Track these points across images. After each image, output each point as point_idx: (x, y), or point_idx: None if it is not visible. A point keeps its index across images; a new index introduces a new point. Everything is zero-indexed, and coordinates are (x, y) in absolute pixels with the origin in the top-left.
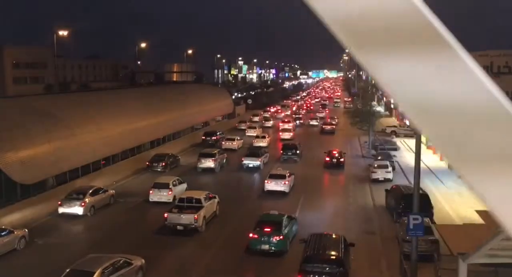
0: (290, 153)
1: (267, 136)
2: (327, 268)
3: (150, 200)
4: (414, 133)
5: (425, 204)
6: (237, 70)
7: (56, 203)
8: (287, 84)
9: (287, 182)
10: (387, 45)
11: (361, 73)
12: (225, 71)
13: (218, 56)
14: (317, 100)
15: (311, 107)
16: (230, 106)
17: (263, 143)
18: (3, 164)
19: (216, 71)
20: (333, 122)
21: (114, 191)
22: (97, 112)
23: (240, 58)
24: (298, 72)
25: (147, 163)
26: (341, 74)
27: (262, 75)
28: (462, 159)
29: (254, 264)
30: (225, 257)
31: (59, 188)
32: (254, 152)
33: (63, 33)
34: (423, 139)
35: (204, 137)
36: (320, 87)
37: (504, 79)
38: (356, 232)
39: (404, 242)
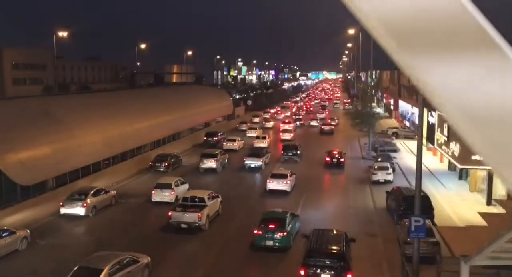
0: (290, 154)
1: (267, 137)
2: (329, 262)
3: (153, 200)
4: (414, 135)
5: (426, 206)
6: (236, 72)
7: (56, 204)
8: (286, 86)
9: (288, 182)
10: (435, 47)
11: (360, 74)
12: (225, 73)
13: (218, 57)
14: (316, 101)
15: (311, 109)
16: (229, 107)
17: (263, 144)
18: (3, 165)
19: (215, 72)
20: (333, 123)
21: (115, 192)
22: (98, 113)
23: (239, 59)
24: (298, 74)
25: (150, 163)
26: (341, 75)
27: (261, 76)
28: None
29: (259, 259)
30: (230, 253)
31: (59, 189)
32: (256, 153)
33: (62, 34)
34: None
35: (205, 138)
36: (320, 89)
37: None
38: (357, 234)
39: (405, 244)
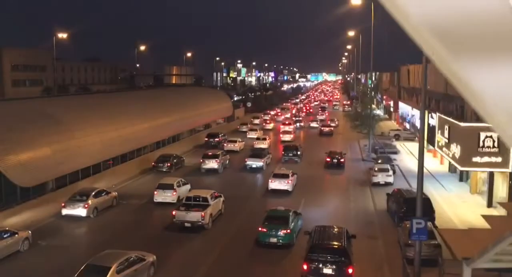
0: (291, 154)
1: (267, 138)
2: (332, 257)
3: (155, 200)
4: (414, 137)
5: (427, 208)
6: (236, 73)
7: (56, 206)
8: (286, 87)
9: (290, 181)
10: (486, 52)
11: (359, 76)
12: (224, 74)
13: (217, 59)
14: (316, 103)
15: (311, 110)
16: (229, 109)
17: (263, 145)
18: (3, 166)
19: (215, 73)
20: (333, 124)
21: (116, 193)
22: (98, 114)
23: (239, 61)
24: (297, 75)
25: (153, 163)
26: (340, 77)
27: (261, 78)
28: None
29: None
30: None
31: (59, 191)
32: (257, 153)
33: (62, 35)
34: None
35: (207, 139)
36: (319, 90)
37: None
38: (358, 236)
39: (406, 246)
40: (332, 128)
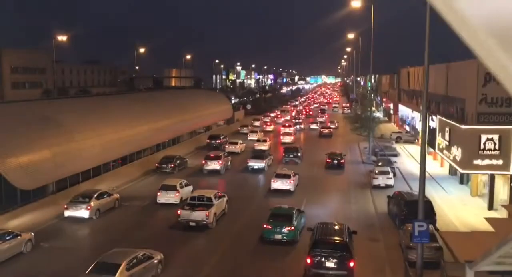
0: (291, 156)
1: (268, 139)
2: (334, 252)
3: (158, 201)
4: (414, 139)
5: (428, 211)
6: (235, 76)
7: (56, 208)
8: (285, 90)
9: (292, 181)
10: None
11: (359, 78)
12: (223, 77)
13: (217, 61)
14: (315, 105)
15: (310, 113)
16: (229, 111)
17: (264, 147)
18: (4, 169)
19: (214, 76)
20: (332, 126)
21: (118, 195)
22: (98, 117)
23: (238, 64)
24: (296, 78)
25: (156, 164)
26: (339, 79)
27: (260, 80)
28: None
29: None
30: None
31: (59, 193)
32: (259, 155)
33: (62, 38)
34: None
35: (208, 140)
36: (318, 93)
37: None
38: (359, 239)
39: (408, 249)
40: (331, 130)
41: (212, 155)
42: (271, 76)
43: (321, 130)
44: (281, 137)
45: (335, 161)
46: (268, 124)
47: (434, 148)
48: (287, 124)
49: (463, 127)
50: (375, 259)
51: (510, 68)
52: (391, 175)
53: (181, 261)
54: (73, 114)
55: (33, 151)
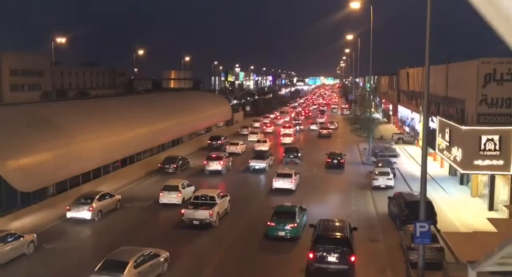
0: (292, 156)
1: (268, 140)
2: (335, 247)
3: (160, 202)
4: (414, 140)
5: (429, 211)
6: (234, 77)
7: (57, 211)
8: (284, 91)
9: (293, 181)
10: None
11: (357, 80)
12: (222, 78)
13: (215, 63)
14: (314, 106)
15: (310, 114)
16: (228, 113)
17: (264, 147)
18: (4, 171)
19: (213, 78)
20: (332, 127)
21: (120, 196)
22: (98, 119)
23: (237, 65)
24: (295, 79)
25: (159, 164)
26: (338, 80)
27: (259, 82)
28: None
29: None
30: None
31: (59, 195)
32: (260, 155)
33: (60, 40)
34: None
35: (209, 141)
36: (317, 94)
37: (507, 86)
38: (360, 240)
39: (409, 250)
40: (330, 131)
41: (213, 155)
42: (269, 78)
43: (320, 130)
44: (281, 138)
45: (335, 161)
46: (268, 125)
47: (434, 149)
48: (287, 125)
49: (464, 127)
50: (376, 260)
51: None
52: (391, 176)
53: (186, 259)
54: (73, 116)
55: (33, 153)
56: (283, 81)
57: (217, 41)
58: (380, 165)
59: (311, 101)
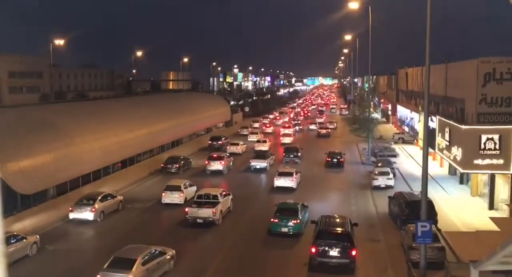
0: (291, 156)
1: (267, 140)
2: (337, 242)
3: (163, 202)
4: (413, 140)
5: (429, 211)
6: (232, 78)
7: (57, 213)
8: (282, 92)
9: (294, 179)
10: None
11: (356, 80)
12: (221, 79)
13: (214, 64)
14: (313, 107)
15: (309, 114)
16: (227, 113)
17: (264, 147)
18: (4, 174)
19: (211, 79)
20: (331, 126)
21: (122, 197)
22: (97, 121)
23: (235, 66)
24: (293, 80)
25: (162, 164)
26: (336, 81)
27: (257, 82)
28: None
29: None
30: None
31: (60, 198)
32: (261, 155)
33: (59, 42)
34: (422, 144)
35: (210, 142)
36: (316, 94)
37: (506, 85)
38: (361, 240)
39: (410, 249)
40: (329, 130)
41: (215, 156)
42: (268, 78)
43: (319, 130)
44: (281, 138)
45: (335, 160)
46: (268, 125)
47: (434, 149)
48: (286, 125)
49: (463, 127)
50: (377, 259)
51: None
52: (391, 175)
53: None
54: (73, 118)
55: (33, 156)
56: (282, 82)
57: (215, 42)
58: (379, 165)
59: (309, 101)
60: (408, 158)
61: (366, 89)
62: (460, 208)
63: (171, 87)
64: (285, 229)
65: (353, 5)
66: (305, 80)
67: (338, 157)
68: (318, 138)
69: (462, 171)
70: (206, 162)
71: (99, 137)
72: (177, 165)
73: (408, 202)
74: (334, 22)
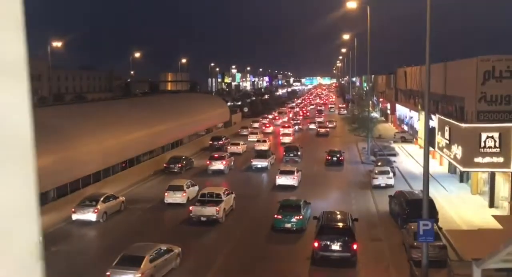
0: (292, 155)
1: (267, 140)
2: (339, 236)
3: (166, 202)
4: (412, 138)
5: (430, 209)
6: (230, 78)
7: (58, 215)
8: (280, 92)
9: (295, 177)
10: None
11: (354, 79)
12: (219, 80)
13: (212, 64)
14: (312, 106)
15: (308, 113)
16: (226, 114)
17: (264, 147)
18: None
19: (210, 79)
20: (330, 125)
21: (124, 198)
22: (97, 123)
23: (233, 66)
24: (291, 79)
25: (165, 164)
26: (334, 80)
27: (255, 83)
28: None
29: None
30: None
31: (60, 200)
32: (263, 154)
33: (56, 44)
34: (421, 143)
35: (211, 142)
36: (314, 94)
37: (506, 83)
38: (362, 239)
39: (412, 248)
40: (328, 129)
41: (216, 155)
42: (266, 78)
43: (318, 129)
44: (281, 138)
45: (335, 158)
46: (267, 125)
47: (433, 147)
48: (286, 125)
49: (463, 125)
50: (379, 259)
51: None
52: (391, 175)
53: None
54: (72, 120)
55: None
56: (280, 82)
57: (213, 42)
58: (379, 164)
59: (308, 101)
60: (407, 157)
61: (365, 88)
62: (461, 206)
63: (169, 88)
64: (288, 225)
65: (351, 5)
66: (303, 80)
67: (338, 156)
68: (317, 137)
69: (462, 169)
70: (208, 162)
71: (99, 139)
72: (180, 165)
73: (409, 201)
74: (331, 22)
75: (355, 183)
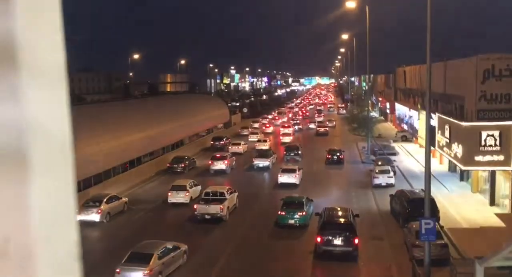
0: (292, 154)
1: (268, 140)
2: (340, 231)
3: (169, 201)
4: (412, 137)
5: (432, 208)
6: (229, 79)
7: None
8: (279, 92)
9: (297, 176)
10: None
11: (353, 79)
12: (218, 80)
13: (211, 65)
14: (311, 106)
15: (307, 113)
16: (226, 115)
17: (264, 147)
18: None
19: (208, 80)
20: (330, 125)
21: (126, 198)
22: (97, 124)
23: (232, 67)
24: (290, 80)
25: (168, 164)
26: (333, 80)
27: (254, 83)
28: None
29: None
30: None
31: None
32: (264, 154)
33: None
34: (421, 142)
35: (212, 142)
36: (313, 94)
37: (505, 82)
38: (364, 238)
39: (414, 247)
40: (327, 129)
41: (218, 155)
42: (265, 79)
43: (318, 128)
44: (281, 137)
45: (335, 157)
46: (267, 125)
47: (434, 146)
48: (286, 125)
49: (463, 124)
50: (381, 258)
51: None
52: (391, 174)
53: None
54: (72, 122)
55: None
56: (279, 82)
57: (212, 43)
58: (379, 163)
59: (307, 101)
60: (407, 156)
61: (364, 88)
62: (461, 205)
63: (168, 90)
64: (292, 221)
65: (350, 4)
66: (302, 80)
67: (338, 154)
68: (317, 137)
69: (463, 168)
70: (210, 162)
71: (99, 141)
72: (183, 165)
73: (410, 200)
74: (330, 22)
75: (356, 183)
